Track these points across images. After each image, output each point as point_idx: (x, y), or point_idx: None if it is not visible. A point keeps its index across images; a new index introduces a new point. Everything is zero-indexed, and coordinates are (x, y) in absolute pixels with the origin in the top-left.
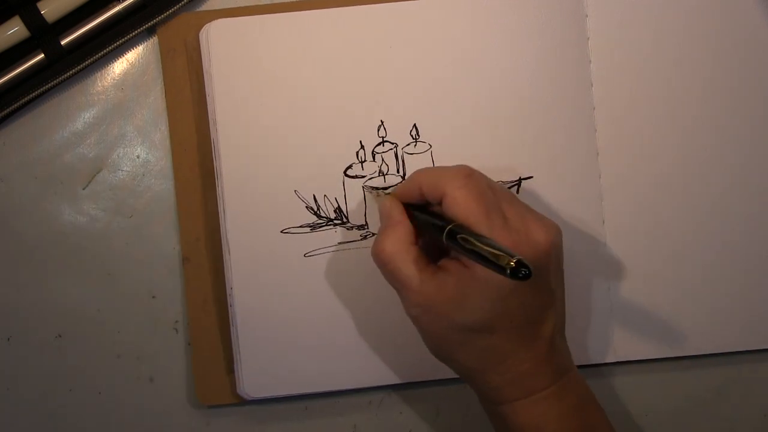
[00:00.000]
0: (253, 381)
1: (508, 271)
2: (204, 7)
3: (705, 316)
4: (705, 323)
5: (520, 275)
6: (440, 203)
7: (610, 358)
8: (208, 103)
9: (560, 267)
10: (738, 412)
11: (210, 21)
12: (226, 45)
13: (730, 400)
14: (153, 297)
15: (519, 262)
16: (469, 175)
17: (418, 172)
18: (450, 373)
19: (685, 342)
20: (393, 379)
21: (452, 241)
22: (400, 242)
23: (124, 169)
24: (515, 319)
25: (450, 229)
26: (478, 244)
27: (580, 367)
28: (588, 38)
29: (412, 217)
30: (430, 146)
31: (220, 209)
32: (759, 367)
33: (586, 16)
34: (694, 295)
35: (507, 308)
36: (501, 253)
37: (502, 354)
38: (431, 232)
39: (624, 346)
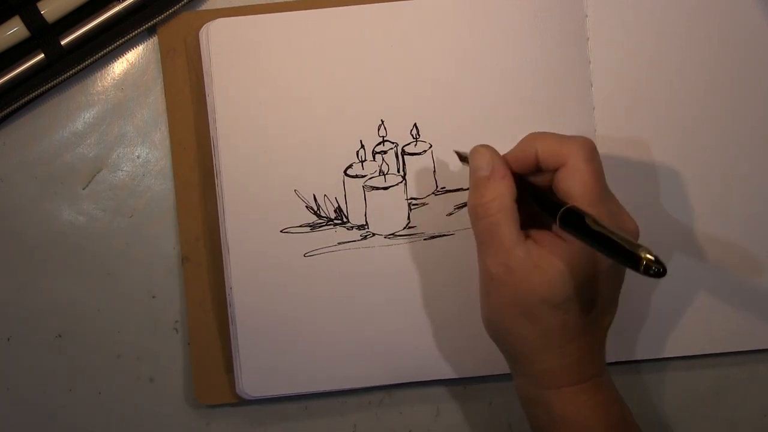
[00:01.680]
0: (252, 381)
1: (642, 267)
2: (204, 7)
3: (704, 316)
4: (704, 323)
5: (652, 272)
6: (555, 170)
7: (610, 358)
8: (208, 103)
9: None
10: (738, 412)
11: (210, 20)
12: (226, 44)
13: (730, 400)
14: (153, 297)
15: (657, 260)
16: (594, 149)
17: (535, 135)
18: (449, 374)
19: (684, 342)
20: (393, 379)
21: (567, 223)
22: (506, 197)
23: (124, 169)
24: (593, 303)
25: (568, 209)
26: (612, 231)
27: None
28: (588, 38)
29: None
30: (431, 146)
31: (220, 209)
32: (759, 367)
33: (586, 16)
34: (693, 295)
35: (591, 291)
36: (638, 246)
37: (568, 335)
38: (537, 204)
39: (623, 346)
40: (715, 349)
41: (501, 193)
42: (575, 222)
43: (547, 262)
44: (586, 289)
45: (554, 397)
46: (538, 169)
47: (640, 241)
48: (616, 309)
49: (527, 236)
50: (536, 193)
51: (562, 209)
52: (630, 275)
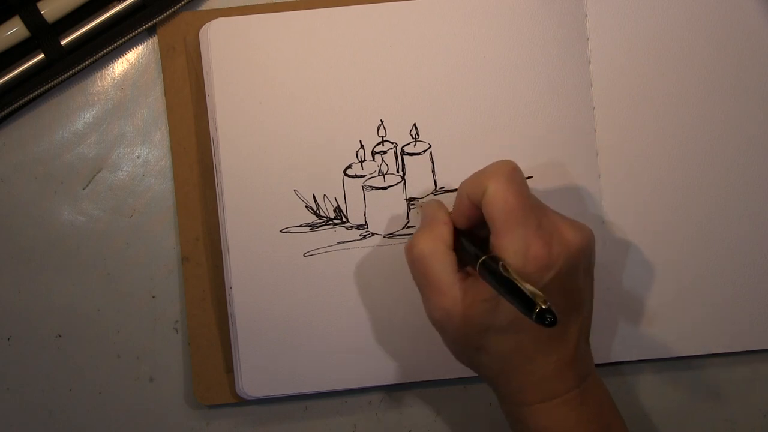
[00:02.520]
0: (252, 381)
1: (535, 315)
2: (204, 6)
3: (704, 317)
4: (704, 323)
5: (546, 321)
6: (481, 203)
7: (609, 359)
8: (207, 102)
9: (590, 271)
10: (738, 412)
11: (210, 20)
12: (226, 44)
13: (730, 400)
14: (153, 297)
15: (549, 309)
16: (513, 169)
17: (462, 183)
18: (449, 374)
19: (684, 342)
20: (392, 379)
21: (485, 272)
22: (438, 241)
23: (124, 169)
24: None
25: (485, 260)
26: (513, 275)
27: None
28: (588, 38)
29: (456, 237)
30: (430, 146)
31: (220, 209)
32: (759, 367)
33: (586, 16)
34: (693, 295)
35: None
36: (536, 293)
37: (527, 356)
38: (467, 256)
39: (622, 346)
40: (716, 350)
41: (434, 238)
42: (492, 270)
43: (486, 291)
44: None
45: (528, 414)
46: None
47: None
48: (584, 318)
49: (467, 274)
50: (466, 246)
51: (480, 260)
52: (626, 282)
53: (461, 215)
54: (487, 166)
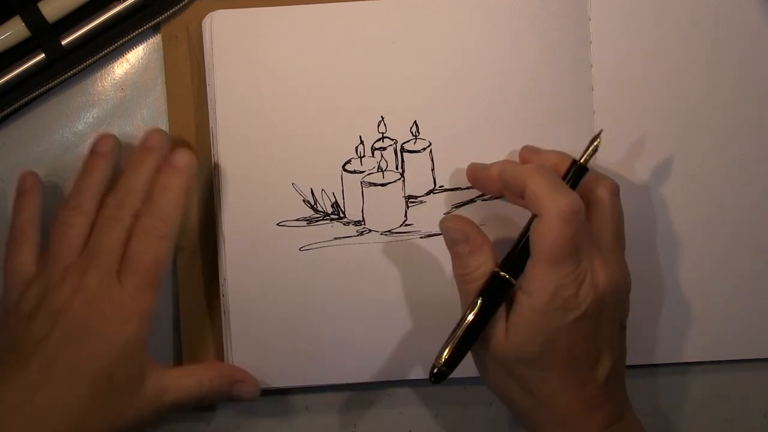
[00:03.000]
0: None
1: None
2: None
3: (704, 324)
4: (706, 330)
5: (432, 380)
6: (536, 215)
7: None
8: (208, 93)
9: (617, 316)
10: (738, 413)
11: (213, 11)
12: (228, 36)
13: (730, 401)
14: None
15: (438, 372)
16: (576, 211)
17: (533, 169)
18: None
19: (686, 349)
20: (388, 376)
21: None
22: (488, 263)
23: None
24: (566, 358)
25: (496, 273)
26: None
27: None
28: (590, 42)
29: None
30: (430, 143)
31: (217, 200)
32: (759, 368)
33: (590, 19)
34: (693, 300)
35: (557, 346)
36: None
37: (551, 392)
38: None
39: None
40: (717, 357)
41: (483, 261)
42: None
43: (514, 321)
44: (553, 344)
45: None
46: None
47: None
48: (613, 361)
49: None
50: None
51: (493, 273)
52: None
53: (498, 186)
54: (557, 187)
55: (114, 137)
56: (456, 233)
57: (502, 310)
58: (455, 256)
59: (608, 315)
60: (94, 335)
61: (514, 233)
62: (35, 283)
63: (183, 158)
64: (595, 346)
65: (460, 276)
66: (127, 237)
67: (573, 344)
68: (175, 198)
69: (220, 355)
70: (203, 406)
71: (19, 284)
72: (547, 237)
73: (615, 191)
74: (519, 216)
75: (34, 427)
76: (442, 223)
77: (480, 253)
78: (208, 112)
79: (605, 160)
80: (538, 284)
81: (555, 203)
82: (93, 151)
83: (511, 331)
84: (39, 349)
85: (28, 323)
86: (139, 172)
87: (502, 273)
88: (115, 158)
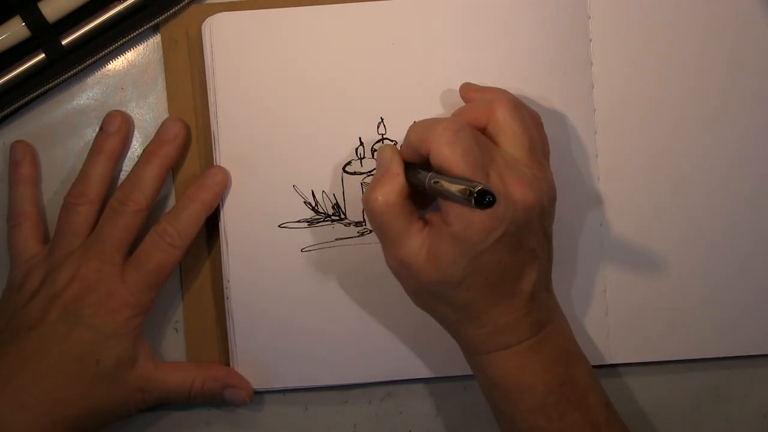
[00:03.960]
0: (248, 374)
1: (473, 201)
2: (208, 0)
3: (706, 320)
4: (706, 327)
5: (485, 202)
6: (426, 156)
7: (606, 361)
8: (209, 96)
9: (544, 227)
10: (738, 412)
11: (213, 14)
12: (228, 38)
13: (730, 400)
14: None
15: (481, 191)
16: (457, 131)
17: (411, 127)
18: (449, 371)
19: (685, 346)
20: (390, 376)
21: (432, 189)
22: (393, 194)
23: (125, 168)
24: (491, 276)
25: (431, 176)
26: (445, 183)
27: None
28: (590, 40)
29: (407, 172)
30: None
31: (219, 202)
32: (759, 367)
33: (589, 18)
34: (693, 298)
35: (482, 266)
36: (464, 185)
37: (478, 309)
38: (419, 183)
39: (619, 348)
40: (716, 353)
41: (390, 190)
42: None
43: (435, 248)
44: (479, 264)
45: (485, 362)
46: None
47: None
48: (539, 271)
49: (425, 223)
50: (415, 174)
51: (427, 179)
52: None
53: (410, 155)
54: (433, 122)
55: (122, 114)
56: (380, 158)
57: (421, 237)
58: (370, 186)
59: (532, 228)
60: (85, 321)
61: None
62: (40, 265)
63: (216, 176)
64: (518, 261)
65: (364, 203)
66: (129, 230)
67: (495, 264)
68: (198, 212)
69: (224, 356)
70: (197, 404)
71: (23, 263)
72: (444, 161)
73: (512, 106)
74: None
75: (21, 399)
76: (379, 148)
77: (389, 181)
78: (209, 116)
79: (606, 159)
80: (454, 213)
81: (434, 133)
82: (101, 128)
83: (433, 258)
84: (33, 329)
85: (28, 303)
86: (150, 165)
87: (429, 174)
88: (124, 137)
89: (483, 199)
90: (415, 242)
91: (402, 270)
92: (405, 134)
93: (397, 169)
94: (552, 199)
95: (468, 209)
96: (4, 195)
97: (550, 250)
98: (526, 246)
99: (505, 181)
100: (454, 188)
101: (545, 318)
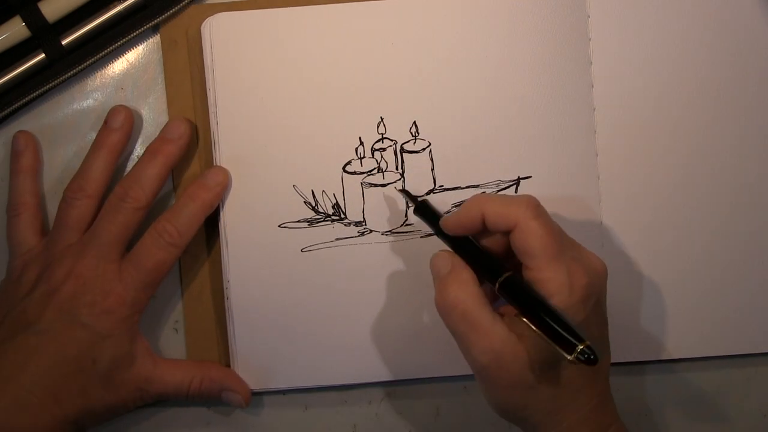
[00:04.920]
0: (248, 374)
1: (576, 356)
2: (207, 0)
3: (705, 319)
4: (705, 326)
5: (585, 358)
6: (506, 232)
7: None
8: (208, 97)
9: (605, 300)
10: (738, 412)
11: (212, 14)
12: (227, 39)
13: (730, 400)
14: (153, 297)
15: (588, 347)
16: (538, 205)
17: (481, 199)
18: (449, 371)
19: (685, 344)
20: (390, 376)
21: (507, 295)
22: (467, 285)
23: (125, 168)
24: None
25: (504, 280)
26: (547, 320)
27: None
28: (590, 39)
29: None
30: (430, 144)
31: (219, 202)
32: (759, 367)
33: (588, 16)
34: (692, 297)
35: (588, 334)
36: (570, 338)
37: (574, 390)
38: (479, 269)
39: (619, 348)
40: (716, 352)
41: (462, 282)
42: (514, 290)
43: (528, 329)
44: (588, 332)
45: None
46: (485, 230)
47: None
48: (610, 352)
49: (501, 314)
50: (478, 258)
51: (501, 278)
52: (625, 283)
53: (466, 227)
54: (512, 197)
55: (127, 110)
56: (439, 262)
57: (506, 324)
58: (436, 288)
59: (604, 296)
60: (81, 321)
61: None
62: (38, 258)
63: (217, 176)
64: (602, 333)
65: (440, 306)
66: (127, 227)
67: (590, 337)
68: (197, 211)
69: (224, 356)
70: (194, 403)
71: (21, 254)
72: (534, 237)
73: (535, 212)
74: None
75: (20, 398)
76: (432, 256)
77: (459, 274)
78: (208, 116)
79: (605, 158)
80: (553, 283)
81: (520, 206)
82: (105, 123)
83: (528, 341)
84: (31, 327)
85: (25, 299)
86: (152, 163)
87: (507, 274)
88: (127, 133)
89: (585, 354)
90: (504, 329)
91: (494, 362)
92: (468, 203)
93: (461, 262)
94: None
95: (560, 272)
96: (5, 195)
97: None
98: (604, 316)
99: (582, 251)
100: (555, 329)
101: (615, 407)
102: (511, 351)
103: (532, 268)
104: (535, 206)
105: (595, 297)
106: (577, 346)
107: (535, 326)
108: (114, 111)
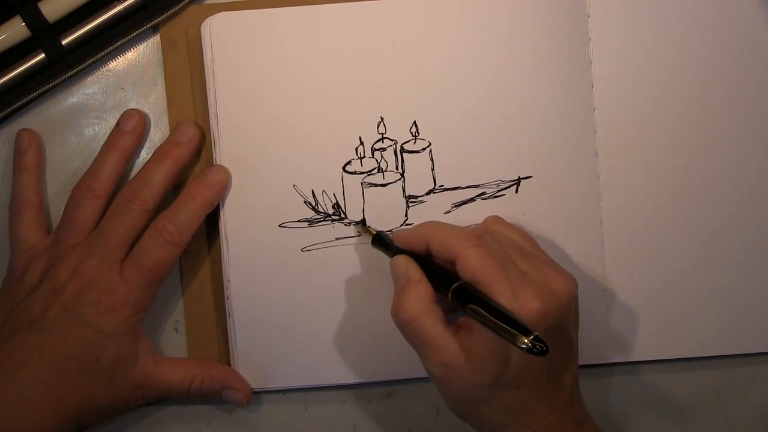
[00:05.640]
0: (249, 373)
1: (524, 347)
2: (207, 0)
3: (705, 319)
4: (705, 325)
5: (535, 350)
6: (453, 263)
7: (607, 360)
8: (208, 96)
9: (577, 317)
10: (738, 412)
11: (212, 14)
12: (227, 39)
13: (730, 400)
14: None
15: (536, 338)
16: (480, 236)
17: (427, 227)
18: None
19: (684, 344)
20: (391, 375)
21: (460, 303)
22: (422, 300)
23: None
24: (538, 372)
25: (457, 287)
26: (490, 317)
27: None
28: (590, 39)
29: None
30: (430, 144)
31: (219, 202)
32: (759, 367)
33: (588, 16)
34: (692, 297)
35: (530, 362)
36: (515, 331)
37: (527, 408)
38: (437, 287)
39: (619, 348)
40: (716, 352)
41: (418, 297)
42: (466, 297)
43: (480, 347)
44: (527, 361)
45: None
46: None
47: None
48: (574, 365)
49: (458, 327)
50: (432, 269)
51: (451, 290)
52: (625, 283)
53: (414, 247)
54: (457, 230)
55: (139, 114)
56: (396, 270)
57: (458, 339)
58: (394, 297)
59: (570, 318)
60: (85, 319)
61: None
62: (42, 256)
63: (217, 175)
64: (563, 354)
65: (395, 316)
66: (133, 228)
67: (546, 359)
68: (198, 209)
69: (224, 356)
70: (195, 401)
71: (24, 252)
72: (474, 265)
73: (475, 243)
74: (518, 216)
75: (23, 395)
76: (390, 261)
77: (414, 288)
78: (209, 116)
79: (605, 157)
80: (501, 302)
81: (460, 236)
82: (117, 125)
83: (478, 359)
84: (34, 325)
85: (28, 297)
86: (160, 165)
87: (458, 282)
88: (138, 137)
89: (534, 347)
90: (455, 345)
91: (445, 375)
92: (416, 229)
93: (418, 275)
94: (577, 287)
95: (509, 298)
96: (6, 194)
97: (577, 343)
98: (566, 337)
99: (544, 274)
100: (497, 324)
101: (582, 416)
102: (461, 366)
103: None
104: (477, 237)
105: (552, 319)
106: (525, 337)
107: (486, 325)
108: (127, 114)
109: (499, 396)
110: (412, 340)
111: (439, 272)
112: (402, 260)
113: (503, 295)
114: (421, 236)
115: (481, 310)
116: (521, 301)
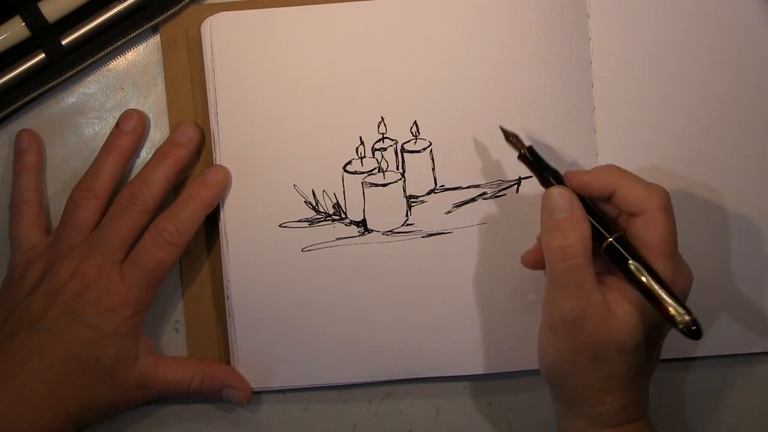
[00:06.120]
0: (249, 373)
1: (682, 326)
2: (207, 0)
3: (704, 320)
4: (703, 326)
5: (692, 331)
6: (633, 214)
7: None
8: (209, 96)
9: None
10: (737, 412)
11: (212, 14)
12: (227, 39)
13: (730, 400)
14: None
15: (695, 320)
16: (670, 199)
17: (616, 172)
18: (449, 371)
19: (685, 344)
20: (391, 375)
21: (613, 256)
22: (586, 239)
23: (131, 170)
24: (646, 351)
25: (617, 238)
26: (653, 282)
27: None
28: (590, 38)
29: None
30: (430, 143)
31: (219, 202)
32: (758, 367)
33: (588, 16)
34: (692, 297)
35: (651, 337)
36: (678, 306)
37: (630, 379)
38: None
39: None
40: (716, 352)
41: (583, 236)
42: (622, 254)
43: (622, 308)
44: (652, 336)
45: None
46: (606, 200)
47: None
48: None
49: (599, 281)
50: (591, 214)
51: (615, 236)
52: None
53: (589, 190)
54: (648, 184)
55: (139, 114)
56: (559, 201)
57: (602, 292)
58: (552, 227)
59: None
60: (85, 319)
61: (515, 232)
62: (42, 256)
63: (217, 175)
64: (663, 338)
65: (558, 249)
66: (134, 229)
67: (660, 337)
68: (197, 210)
69: (225, 356)
70: (195, 400)
71: (24, 252)
72: (658, 230)
73: (667, 206)
74: (519, 215)
75: (23, 396)
76: (547, 191)
77: (581, 226)
78: (208, 116)
79: (605, 156)
80: (661, 274)
81: (654, 193)
82: (117, 125)
83: (616, 318)
84: (34, 325)
85: (28, 297)
86: (160, 166)
87: (617, 234)
88: (138, 137)
89: (690, 327)
90: (600, 294)
91: (581, 321)
92: (602, 170)
93: (583, 213)
94: None
95: (668, 271)
96: (6, 194)
97: None
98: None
99: (681, 259)
100: (665, 299)
101: (648, 401)
102: (599, 318)
103: (644, 253)
104: (668, 199)
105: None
106: (685, 316)
107: (641, 287)
108: (126, 115)
109: (616, 361)
110: (563, 276)
111: (597, 219)
112: (568, 194)
113: (669, 269)
114: (606, 183)
115: (645, 272)
116: (677, 280)
